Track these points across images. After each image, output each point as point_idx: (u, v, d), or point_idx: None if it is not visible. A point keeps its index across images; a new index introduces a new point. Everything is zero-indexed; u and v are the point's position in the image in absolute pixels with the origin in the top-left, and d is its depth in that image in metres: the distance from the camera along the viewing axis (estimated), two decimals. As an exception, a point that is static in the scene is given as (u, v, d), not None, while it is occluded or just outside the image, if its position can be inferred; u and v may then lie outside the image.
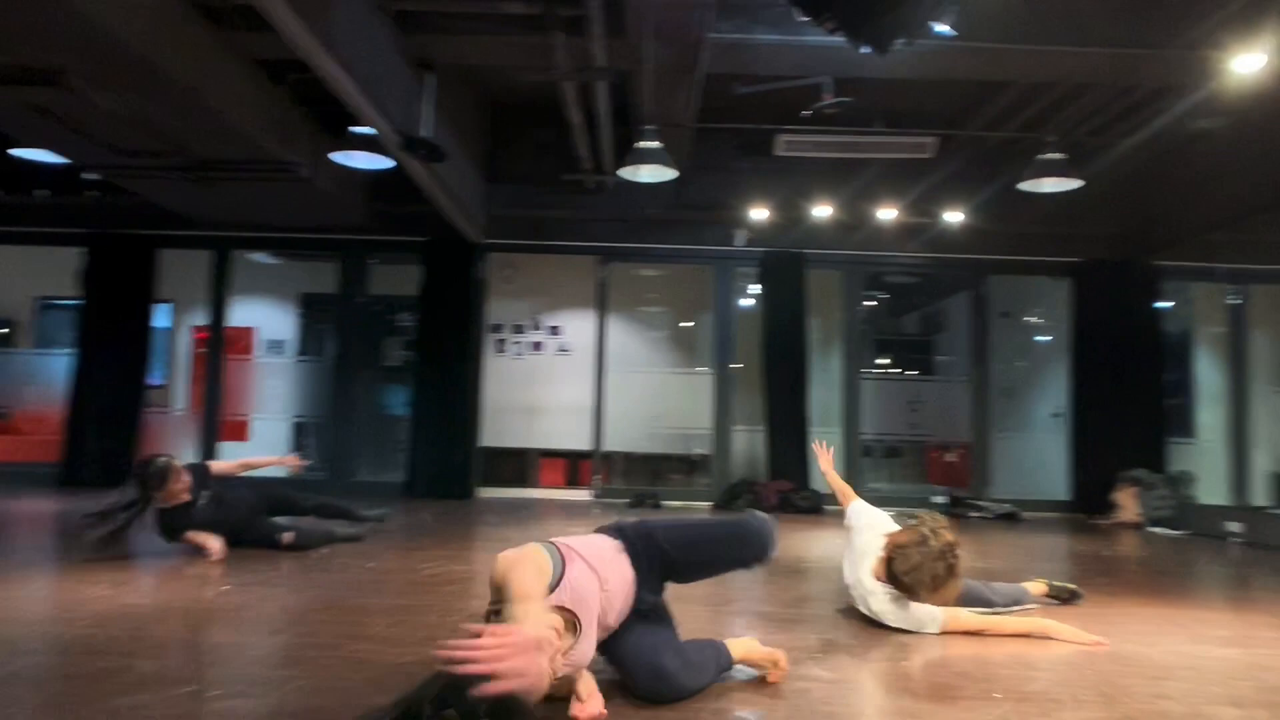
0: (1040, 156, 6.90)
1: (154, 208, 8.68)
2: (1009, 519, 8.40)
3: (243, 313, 10.25)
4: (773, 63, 6.03)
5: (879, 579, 3.21)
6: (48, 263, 9.91)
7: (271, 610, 3.31)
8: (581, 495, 9.34)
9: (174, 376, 10.70)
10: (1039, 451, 10.00)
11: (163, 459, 4.57)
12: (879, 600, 3.23)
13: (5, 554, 4.64)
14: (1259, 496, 9.26)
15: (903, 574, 3.06)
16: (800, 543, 5.94)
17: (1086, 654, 2.96)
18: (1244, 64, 5.08)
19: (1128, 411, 8.89)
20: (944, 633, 3.14)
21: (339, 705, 2.15)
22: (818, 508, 8.42)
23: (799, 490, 8.68)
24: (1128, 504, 8.03)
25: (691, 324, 10.94)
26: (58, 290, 10.29)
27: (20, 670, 2.38)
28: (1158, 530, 7.60)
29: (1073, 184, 6.89)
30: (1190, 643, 3.20)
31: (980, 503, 8.75)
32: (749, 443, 9.45)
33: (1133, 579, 4.93)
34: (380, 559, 4.66)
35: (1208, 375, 10.01)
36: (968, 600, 3.30)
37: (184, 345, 10.69)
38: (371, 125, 5.87)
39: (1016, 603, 3.61)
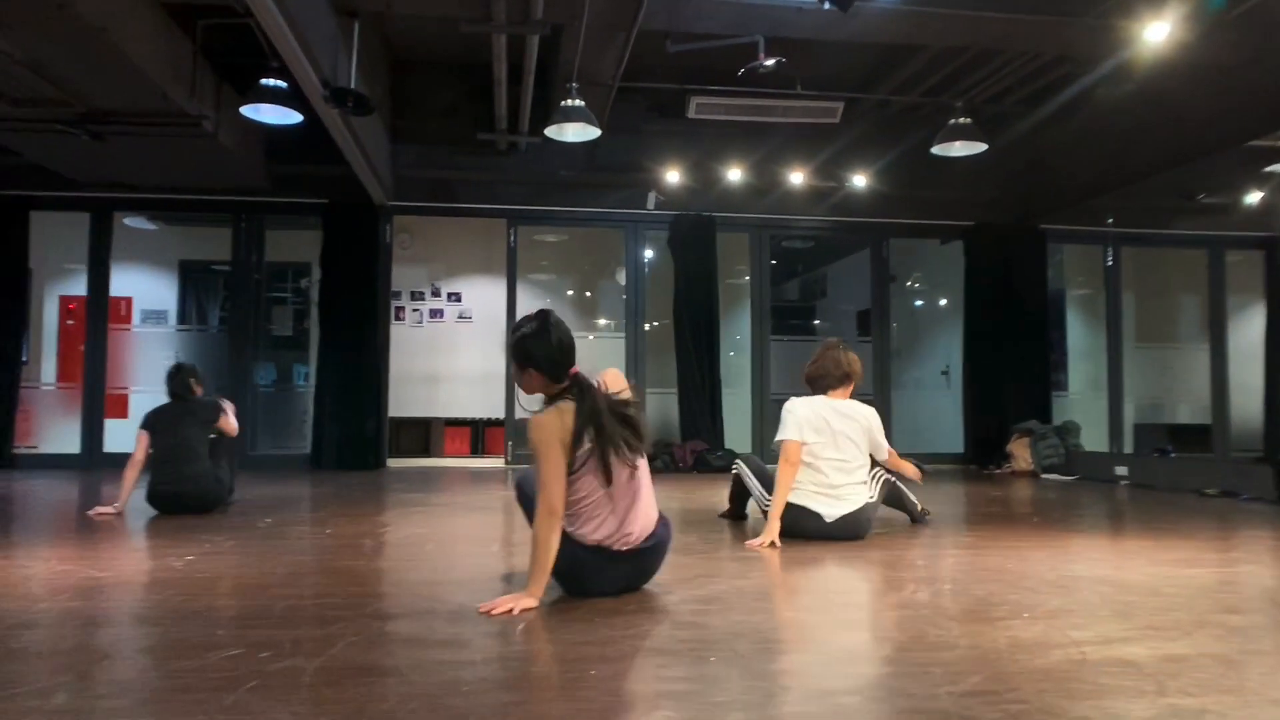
0: (952, 121, 7.21)
1: (28, 167, 8.00)
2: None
3: (118, 281, 9.58)
4: (711, 19, 6.07)
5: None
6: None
7: (260, 574, 3.14)
8: (492, 463, 9.23)
9: (39, 350, 9.94)
10: (930, 407, 10.51)
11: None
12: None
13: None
14: (1129, 444, 10.05)
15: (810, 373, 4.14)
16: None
17: (1075, 578, 3.16)
18: (1154, 32, 5.43)
19: (1015, 367, 9.45)
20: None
21: (395, 660, 2.08)
22: (730, 466, 8.58)
23: (713, 450, 8.84)
24: (1021, 453, 8.56)
25: (589, 294, 10.94)
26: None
27: (28, 645, 2.18)
28: (1050, 477, 8.14)
29: (979, 147, 7.24)
30: (1152, 566, 3.45)
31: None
32: (662, 405, 9.54)
33: (1062, 518, 5.25)
34: (333, 525, 4.49)
35: (1076, 332, 10.76)
36: None
37: (51, 316, 9.92)
38: (297, 72, 5.57)
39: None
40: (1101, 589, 2.95)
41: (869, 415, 4.12)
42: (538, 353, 2.68)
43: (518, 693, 1.88)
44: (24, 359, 9.78)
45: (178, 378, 5.06)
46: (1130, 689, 1.86)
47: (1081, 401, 10.32)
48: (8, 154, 7.68)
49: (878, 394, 9.73)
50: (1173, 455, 9.03)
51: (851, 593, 3.11)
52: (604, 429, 2.61)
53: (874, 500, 4.16)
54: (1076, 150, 8.48)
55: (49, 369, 9.78)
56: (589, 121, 6.76)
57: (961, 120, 7.17)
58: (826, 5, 4.16)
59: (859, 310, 10.98)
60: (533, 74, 6.83)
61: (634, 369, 9.35)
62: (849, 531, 3.97)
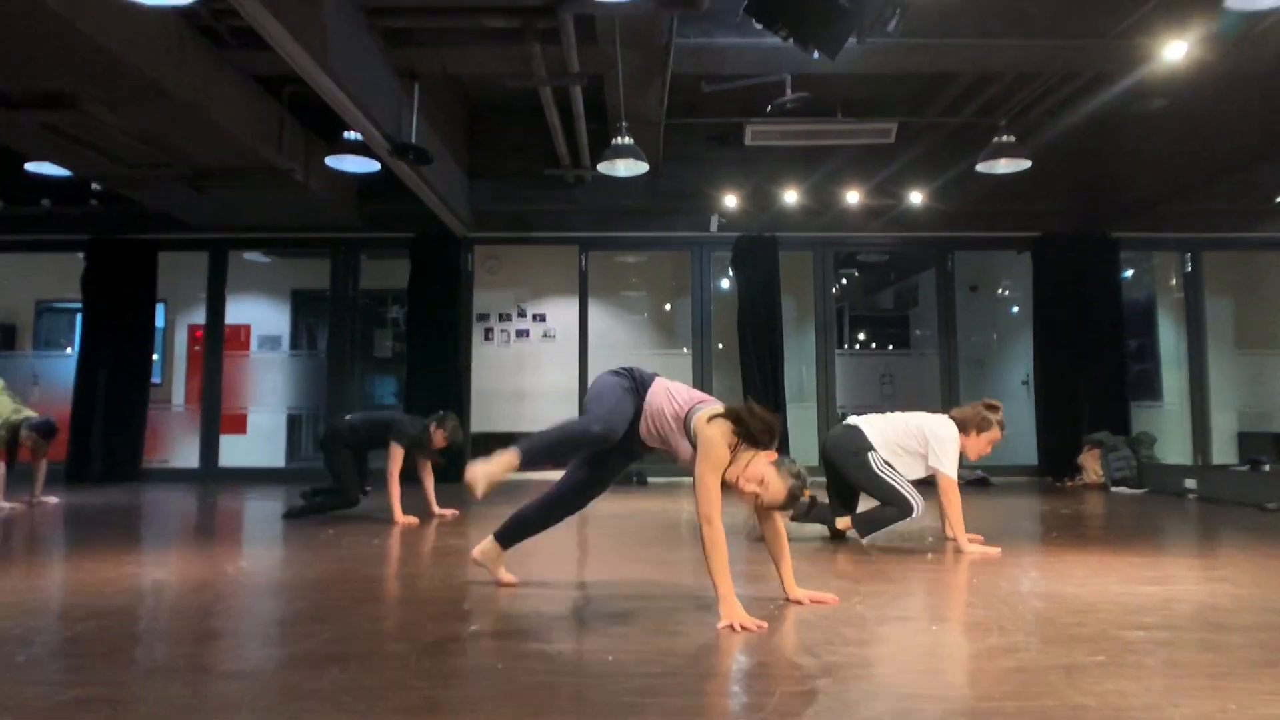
0: (995, 139, 7.31)
1: (151, 213, 9.02)
2: (980, 484, 8.84)
3: (238, 310, 10.59)
4: (735, 63, 6.42)
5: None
6: (47, 267, 10.23)
7: (293, 580, 3.69)
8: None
9: (171, 374, 11.04)
10: (1009, 418, 10.42)
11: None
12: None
13: (37, 546, 5.01)
14: (1223, 455, 9.74)
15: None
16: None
17: (1024, 593, 3.38)
18: (1172, 51, 5.48)
19: (1089, 378, 9.36)
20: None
21: (362, 649, 2.54)
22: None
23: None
24: (1091, 466, 8.50)
25: (668, 308, 11.36)
26: (57, 293, 10.61)
27: (87, 633, 2.74)
28: (1120, 490, 8.06)
29: (1023, 164, 7.31)
30: (1119, 583, 3.61)
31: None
32: (729, 419, 9.83)
33: (1087, 533, 5.36)
34: (383, 536, 5.05)
35: (1170, 340, 10.49)
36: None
37: (180, 343, 11.02)
38: (362, 133, 6.22)
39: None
40: (1036, 605, 3.16)
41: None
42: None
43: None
44: (157, 381, 10.96)
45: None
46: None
47: (1176, 412, 10.08)
48: (134, 203, 8.71)
49: (945, 408, 9.76)
50: (1266, 467, 8.72)
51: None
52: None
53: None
54: (1137, 158, 8.40)
55: (179, 391, 10.86)
56: (637, 158, 7.17)
57: (1005, 139, 7.26)
58: (815, 55, 4.44)
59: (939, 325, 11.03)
60: (582, 118, 7.32)
61: (700, 385, 9.71)
62: None
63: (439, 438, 5.83)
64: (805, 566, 3.95)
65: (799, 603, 3.10)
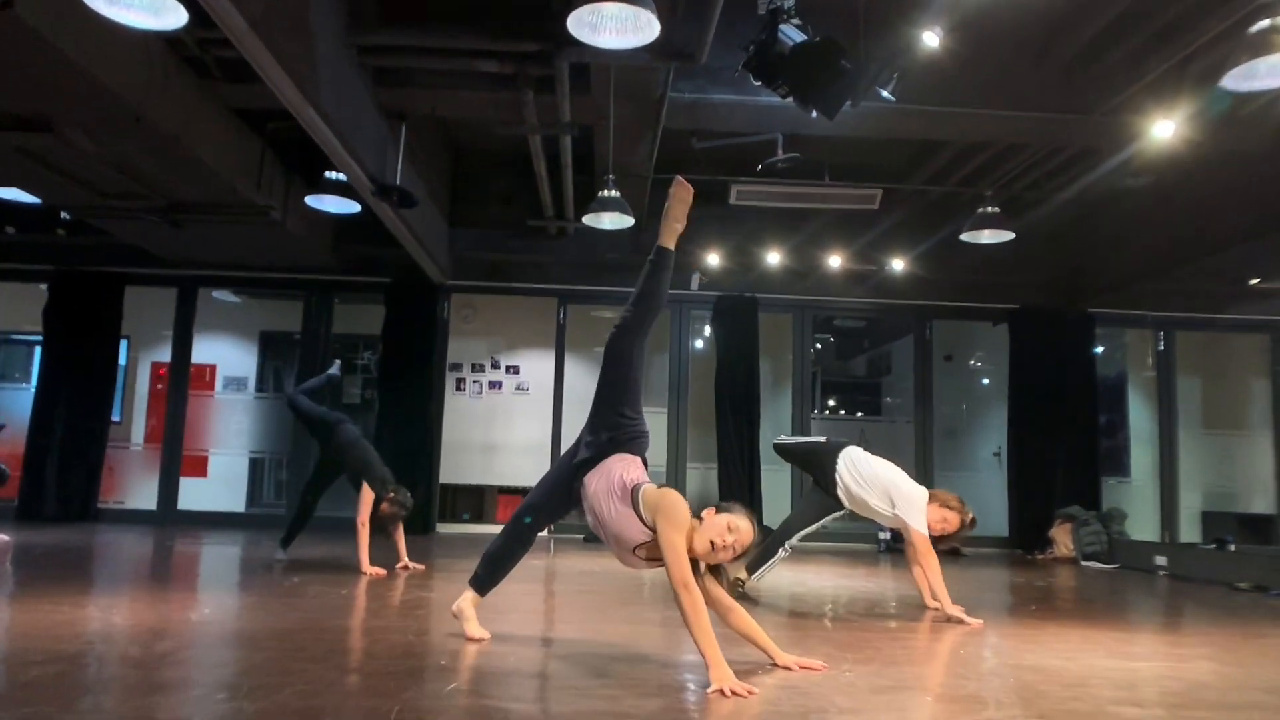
0: (979, 210, 7.39)
1: (120, 245, 8.82)
2: (951, 554, 8.74)
3: (204, 349, 10.34)
4: (728, 120, 6.43)
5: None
6: (6, 297, 9.94)
7: (256, 629, 3.49)
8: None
9: (130, 412, 10.73)
10: (980, 490, 10.41)
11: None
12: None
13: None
14: (1187, 533, 9.76)
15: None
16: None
17: (1011, 665, 3.27)
18: (1161, 129, 5.57)
19: (1063, 451, 9.37)
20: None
21: (334, 703, 2.38)
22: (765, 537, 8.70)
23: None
24: (1063, 540, 8.45)
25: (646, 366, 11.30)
26: (15, 324, 10.33)
27: (40, 678, 2.55)
28: (1091, 564, 8.01)
29: (1007, 235, 7.37)
30: (1107, 658, 3.52)
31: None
32: (702, 479, 9.74)
33: (1063, 606, 5.28)
34: (350, 586, 4.85)
35: (1140, 417, 10.56)
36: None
37: (143, 381, 10.73)
38: (346, 173, 6.14)
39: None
40: (1029, 678, 3.05)
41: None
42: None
43: None
44: (116, 419, 10.64)
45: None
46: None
47: (1144, 489, 10.09)
48: (103, 234, 8.52)
49: (921, 477, 9.72)
50: (1231, 547, 8.74)
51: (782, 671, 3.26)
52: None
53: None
54: (1118, 235, 8.53)
55: (139, 429, 10.53)
56: (624, 211, 7.14)
57: (989, 209, 7.33)
58: (814, 114, 4.46)
59: (916, 393, 11.04)
60: (569, 168, 7.30)
61: (675, 442, 9.61)
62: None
63: (382, 508, 5.66)
64: (785, 635, 3.83)
65: (788, 668, 2.99)
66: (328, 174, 7.12)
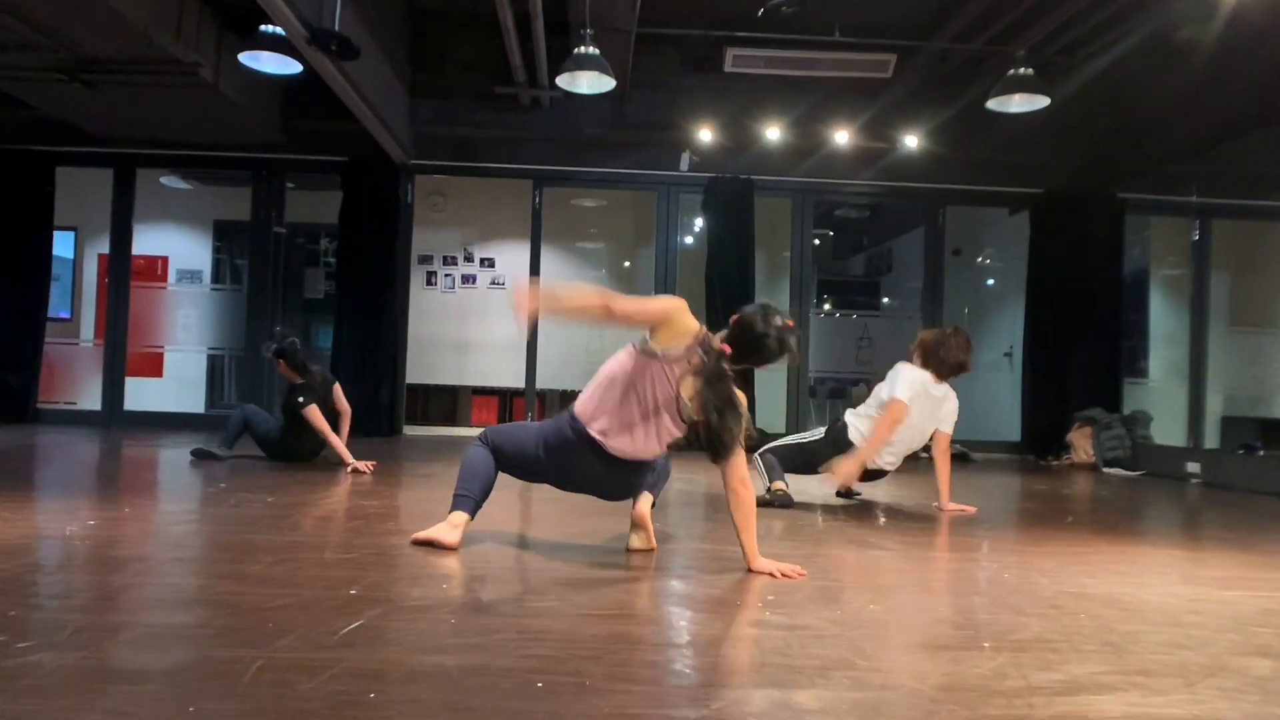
0: (1010, 72, 6.47)
1: (49, 120, 7.92)
2: (959, 459, 8.10)
3: (155, 240, 9.63)
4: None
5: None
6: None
7: (148, 548, 2.76)
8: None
9: (79, 307, 9.97)
10: (990, 392, 9.74)
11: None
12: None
13: None
14: (1212, 439, 9.10)
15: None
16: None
17: (1074, 595, 2.56)
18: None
19: (1082, 351, 8.62)
20: None
21: (184, 659, 1.65)
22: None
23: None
24: (1082, 444, 7.79)
25: (628, 264, 10.48)
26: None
27: None
28: (1112, 471, 7.36)
29: (1041, 101, 6.49)
30: (1184, 584, 2.83)
31: (929, 443, 8.42)
32: (690, 380, 9.02)
33: (1104, 518, 4.59)
34: (280, 494, 4.12)
35: (1161, 315, 9.80)
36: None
37: (90, 274, 9.94)
38: (272, 13, 5.19)
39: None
40: (1105, 613, 2.35)
41: (955, 406, 4.39)
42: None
43: None
44: (65, 315, 9.87)
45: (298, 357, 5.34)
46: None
47: (1163, 391, 9.39)
48: (28, 108, 7.57)
49: (929, 375, 9.01)
50: (1260, 452, 8.09)
51: (783, 601, 2.55)
52: (715, 387, 2.59)
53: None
54: (1162, 109, 7.56)
55: (89, 326, 9.79)
56: (603, 71, 6.25)
57: (1022, 71, 6.41)
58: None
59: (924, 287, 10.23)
60: (540, 18, 6.34)
61: (662, 341, 8.85)
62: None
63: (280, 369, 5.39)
64: (799, 553, 3.13)
65: (769, 575, 2.62)
66: (263, 28, 6.19)
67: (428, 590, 2.38)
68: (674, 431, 2.74)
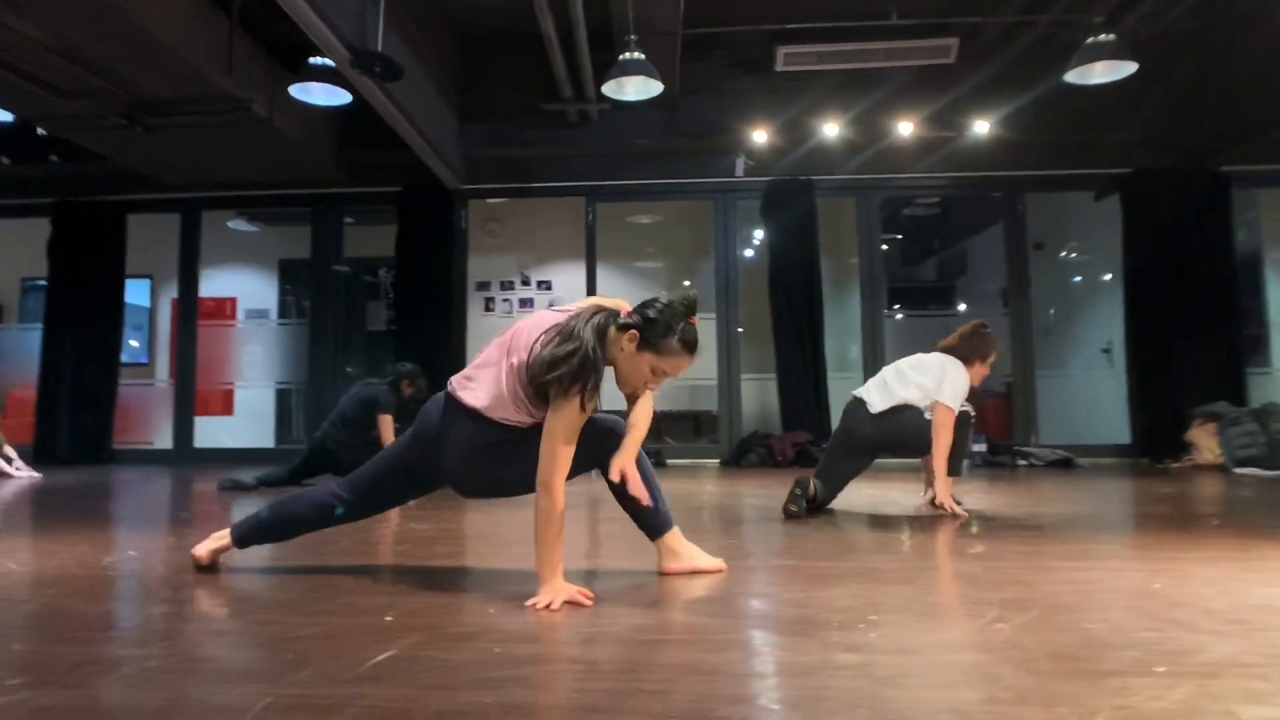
0: (1089, 40, 5.97)
1: (119, 172, 8.20)
2: (1063, 465, 7.52)
3: (224, 282, 9.84)
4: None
5: None
6: (33, 242, 9.26)
7: (182, 578, 2.51)
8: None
9: (155, 351, 10.25)
10: (1090, 392, 9.10)
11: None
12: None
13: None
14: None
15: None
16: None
17: (1258, 608, 2.09)
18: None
19: (1192, 342, 7.95)
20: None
21: (180, 697, 1.35)
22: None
23: (817, 442, 7.78)
24: (1205, 443, 7.11)
25: (688, 282, 10.19)
26: (40, 269, 9.74)
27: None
28: (1247, 471, 6.65)
29: (1127, 68, 5.96)
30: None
31: (1027, 450, 7.86)
32: (760, 392, 8.64)
33: (1255, 521, 3.96)
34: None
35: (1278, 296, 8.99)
36: None
37: (165, 319, 10.17)
38: (316, 37, 5.05)
39: None
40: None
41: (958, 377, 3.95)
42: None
43: None
44: (144, 361, 10.03)
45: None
46: None
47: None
48: (99, 159, 7.81)
49: (1019, 378, 8.46)
50: None
51: (895, 622, 2.13)
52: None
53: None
54: (1261, 63, 6.88)
55: (163, 367, 10.04)
56: (649, 75, 5.96)
57: (1103, 37, 5.91)
58: None
59: (1003, 288, 9.62)
60: (582, 27, 6.12)
61: (726, 352, 8.51)
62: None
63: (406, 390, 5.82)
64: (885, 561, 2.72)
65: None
66: (311, 60, 6.13)
67: (473, 616, 2.06)
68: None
